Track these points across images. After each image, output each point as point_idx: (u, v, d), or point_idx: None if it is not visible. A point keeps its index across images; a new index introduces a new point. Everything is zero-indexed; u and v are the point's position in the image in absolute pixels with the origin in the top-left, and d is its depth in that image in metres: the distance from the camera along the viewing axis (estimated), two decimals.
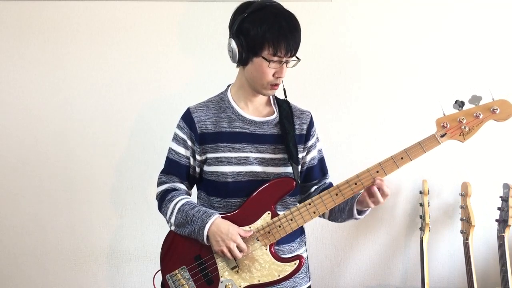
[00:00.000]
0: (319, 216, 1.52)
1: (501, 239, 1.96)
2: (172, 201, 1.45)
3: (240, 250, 1.36)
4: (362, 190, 1.39)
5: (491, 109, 1.31)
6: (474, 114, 1.33)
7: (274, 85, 1.40)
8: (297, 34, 1.35)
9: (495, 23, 2.09)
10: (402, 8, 2.11)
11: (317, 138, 1.56)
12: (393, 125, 2.15)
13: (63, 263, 2.25)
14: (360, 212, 1.44)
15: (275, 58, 1.34)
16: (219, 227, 1.36)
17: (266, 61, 1.34)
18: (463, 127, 1.34)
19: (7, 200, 2.22)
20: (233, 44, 1.37)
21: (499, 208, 2.01)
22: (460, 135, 1.35)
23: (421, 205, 2.10)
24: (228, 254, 1.36)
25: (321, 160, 1.57)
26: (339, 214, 1.49)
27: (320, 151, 1.57)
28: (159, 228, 2.11)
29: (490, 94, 1.32)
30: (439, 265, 2.21)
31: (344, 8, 2.11)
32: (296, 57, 1.39)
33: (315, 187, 1.56)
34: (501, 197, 2.01)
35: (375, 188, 1.35)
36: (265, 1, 1.38)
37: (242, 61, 1.39)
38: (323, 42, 2.12)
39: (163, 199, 1.48)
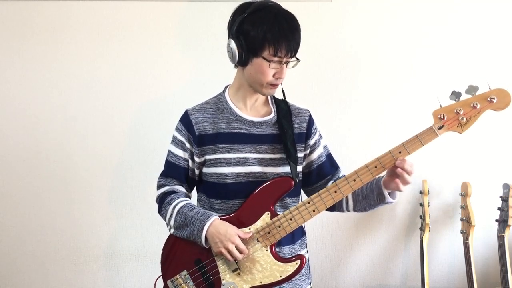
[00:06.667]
0: (340, 211, 1.51)
1: (501, 239, 1.96)
2: (171, 204, 1.44)
3: (240, 251, 1.35)
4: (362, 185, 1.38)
5: (488, 99, 1.28)
6: (471, 105, 1.30)
7: (274, 85, 1.39)
8: (297, 35, 1.35)
9: (491, 20, 2.09)
10: (401, 8, 2.10)
11: (320, 135, 1.54)
12: (394, 125, 2.15)
13: (63, 263, 2.25)
14: (390, 194, 1.40)
15: (276, 59, 1.33)
16: (218, 229, 1.35)
17: (266, 61, 1.33)
18: (460, 118, 1.31)
19: (6, 200, 2.21)
20: (233, 45, 1.36)
21: (499, 208, 2.01)
22: (458, 126, 1.32)
23: (421, 205, 2.10)
24: (228, 256, 1.35)
25: (329, 156, 1.56)
26: (364, 202, 1.45)
27: (325, 147, 1.56)
28: (159, 228, 2.11)
29: (487, 84, 1.29)
30: (439, 265, 2.21)
31: (344, 8, 2.10)
32: (296, 58, 1.38)
33: (331, 182, 1.53)
34: (501, 197, 2.01)
35: (399, 170, 1.31)
36: (264, 1, 1.37)
37: (242, 61, 1.37)
38: (323, 42, 2.12)
39: (162, 202, 1.48)
